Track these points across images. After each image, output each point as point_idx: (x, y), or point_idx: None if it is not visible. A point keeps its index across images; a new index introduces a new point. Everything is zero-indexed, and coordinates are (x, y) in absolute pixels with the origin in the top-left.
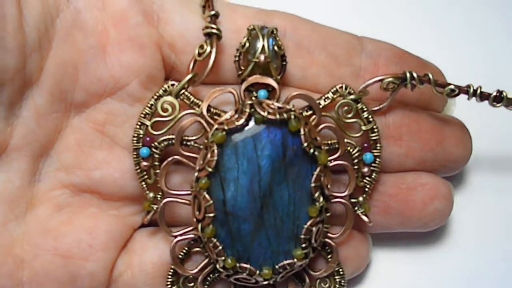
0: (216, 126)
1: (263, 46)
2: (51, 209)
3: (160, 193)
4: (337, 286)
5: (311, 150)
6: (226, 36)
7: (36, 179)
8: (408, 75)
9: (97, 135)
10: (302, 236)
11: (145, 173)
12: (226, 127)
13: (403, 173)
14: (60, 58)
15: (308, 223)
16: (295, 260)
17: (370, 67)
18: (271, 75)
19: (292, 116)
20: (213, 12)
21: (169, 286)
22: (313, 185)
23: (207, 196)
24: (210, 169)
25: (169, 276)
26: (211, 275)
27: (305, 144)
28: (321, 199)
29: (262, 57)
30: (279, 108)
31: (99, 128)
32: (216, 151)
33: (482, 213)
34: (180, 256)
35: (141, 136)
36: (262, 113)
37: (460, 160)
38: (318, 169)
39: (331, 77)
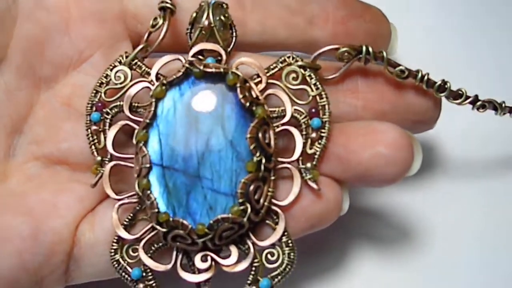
0: (157, 83)
1: (208, 13)
2: (23, 179)
3: (108, 157)
4: (286, 259)
5: (247, 104)
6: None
7: (11, 154)
8: (364, 49)
9: (64, 108)
10: (239, 191)
11: (95, 137)
12: (164, 81)
13: (354, 122)
14: (25, 35)
15: (245, 178)
16: (230, 215)
17: (322, 14)
18: (218, 43)
19: (229, 71)
20: None
21: (113, 254)
22: (248, 136)
23: (143, 148)
24: (147, 121)
25: (113, 244)
26: (155, 245)
27: (241, 96)
28: (258, 153)
29: (206, 22)
30: (217, 66)
31: (66, 101)
32: (153, 103)
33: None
34: (125, 222)
35: (94, 102)
36: (199, 67)
37: (424, 112)
38: (255, 122)
39: (287, 27)
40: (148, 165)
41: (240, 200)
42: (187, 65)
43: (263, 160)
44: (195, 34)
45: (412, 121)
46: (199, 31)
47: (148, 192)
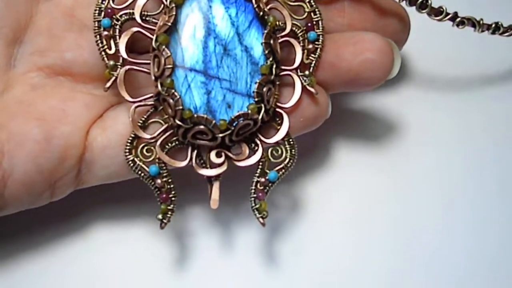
0: None
1: None
2: (27, 88)
3: (120, 62)
4: (288, 155)
5: (261, 13)
6: None
7: (12, 64)
8: None
9: (66, 18)
10: (255, 91)
11: (105, 42)
12: None
13: (341, 33)
14: None
15: (260, 79)
16: (249, 111)
17: None
18: None
19: None
20: None
21: (127, 154)
22: (263, 41)
23: (166, 49)
24: (169, 24)
25: (128, 144)
26: (169, 144)
27: (255, 6)
28: (271, 57)
29: None
30: None
31: (68, 12)
32: (174, 8)
33: None
34: (139, 124)
35: (102, 9)
36: None
37: (397, 32)
38: (268, 28)
39: None
40: (171, 66)
41: (256, 99)
42: None
43: (274, 65)
44: None
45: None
46: None
47: (173, 90)
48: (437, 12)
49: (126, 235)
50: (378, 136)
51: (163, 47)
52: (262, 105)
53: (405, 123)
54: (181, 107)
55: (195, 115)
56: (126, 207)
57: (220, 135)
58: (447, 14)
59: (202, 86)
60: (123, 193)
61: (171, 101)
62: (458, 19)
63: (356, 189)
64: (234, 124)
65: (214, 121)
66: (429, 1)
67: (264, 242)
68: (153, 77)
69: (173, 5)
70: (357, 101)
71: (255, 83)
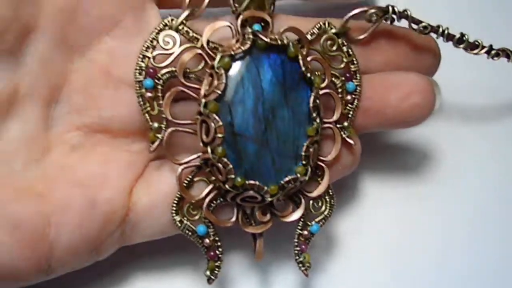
0: (220, 54)
1: None
2: (66, 150)
3: (164, 123)
4: (328, 205)
5: (308, 74)
6: None
7: (50, 124)
8: (390, 8)
9: (102, 76)
10: (303, 154)
11: (148, 104)
12: (232, 53)
13: (380, 74)
14: (56, 2)
15: (308, 141)
16: (298, 175)
17: None
18: (263, 10)
19: (291, 43)
20: None
21: (174, 214)
22: (311, 105)
23: (217, 117)
24: (219, 92)
25: (174, 204)
26: (214, 202)
27: (304, 68)
28: (318, 119)
29: None
30: (276, 37)
31: (103, 69)
32: (224, 75)
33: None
34: (185, 184)
35: (143, 68)
36: (265, 39)
37: (432, 65)
38: (315, 91)
39: None
40: (222, 135)
41: (304, 162)
42: (252, 36)
43: (320, 125)
44: (244, 3)
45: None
46: (249, 1)
47: (225, 159)
48: (473, 46)
49: (168, 286)
50: (408, 168)
51: (214, 115)
52: (309, 167)
53: (435, 154)
54: (233, 176)
55: (247, 183)
56: (167, 258)
57: (270, 198)
58: (483, 47)
59: (251, 151)
60: (163, 244)
61: (222, 168)
62: (493, 52)
63: (388, 222)
64: (285, 188)
65: (265, 188)
66: (466, 37)
67: (302, 281)
68: (201, 142)
69: (222, 71)
70: (386, 134)
71: (303, 145)
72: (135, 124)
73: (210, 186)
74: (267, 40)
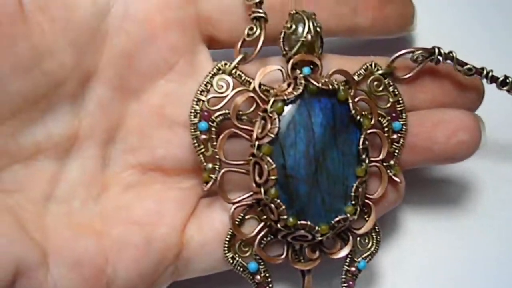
0: (273, 98)
1: (309, 27)
2: (122, 188)
3: (217, 164)
4: (374, 242)
5: (358, 117)
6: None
7: (106, 163)
8: (436, 50)
9: (155, 116)
10: (352, 194)
11: (202, 146)
12: (285, 97)
13: (426, 111)
14: (115, 49)
15: (357, 182)
16: (348, 215)
17: (363, 2)
18: (313, 53)
19: (341, 87)
20: (257, 0)
21: (226, 251)
22: (361, 147)
23: (270, 160)
24: (272, 135)
25: (226, 242)
26: (264, 239)
27: (353, 112)
28: (367, 160)
29: (309, 36)
30: (326, 81)
31: (157, 110)
32: (277, 119)
33: None
34: (236, 222)
35: (198, 111)
36: (316, 84)
37: (476, 102)
38: (364, 133)
39: (336, 17)
40: (275, 177)
41: (353, 202)
42: (304, 81)
43: (368, 165)
44: (295, 47)
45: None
46: (300, 44)
47: (278, 201)
48: None
49: None
50: (449, 201)
51: (267, 157)
52: (358, 206)
53: (476, 188)
54: (285, 216)
55: (298, 223)
56: None
57: (320, 238)
58: None
59: (303, 193)
60: (214, 278)
61: (274, 209)
62: None
63: (429, 254)
64: (335, 227)
65: (316, 228)
66: (510, 79)
67: None
68: (253, 183)
69: (275, 115)
70: (426, 169)
71: (352, 186)
72: (187, 163)
73: (261, 224)
74: (318, 85)
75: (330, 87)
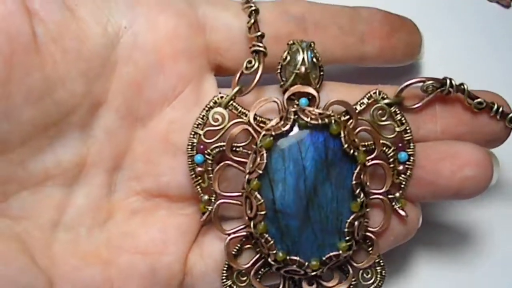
0: (263, 132)
1: (303, 58)
2: (127, 215)
3: (213, 195)
4: (378, 276)
5: (351, 151)
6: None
7: (112, 190)
8: (448, 81)
9: (161, 143)
10: (346, 230)
11: (199, 177)
12: (273, 133)
13: (434, 142)
14: (124, 78)
15: (351, 218)
16: (340, 252)
17: (370, 32)
18: (310, 84)
19: (333, 121)
20: (259, 33)
21: (224, 280)
22: (354, 182)
23: (258, 195)
24: (260, 171)
25: (224, 271)
26: (262, 269)
27: (346, 146)
28: (362, 195)
29: (302, 69)
30: (320, 114)
31: (162, 138)
32: (265, 155)
33: None
34: (234, 252)
35: (195, 144)
36: (305, 119)
37: (498, 131)
38: (358, 168)
39: (343, 46)
40: (263, 212)
41: (347, 238)
42: (292, 116)
43: (364, 201)
44: (290, 78)
45: (485, 141)
46: (294, 76)
47: (266, 235)
48: None
49: None
50: (459, 248)
51: (255, 193)
52: (353, 242)
53: (489, 237)
54: (274, 252)
55: (288, 258)
56: None
57: (313, 273)
58: None
59: (293, 227)
60: None
61: (264, 244)
62: None
63: None
64: (326, 263)
65: (306, 263)
66: None
67: None
68: (246, 216)
69: (264, 150)
70: (438, 211)
71: (346, 221)
72: (191, 189)
73: (257, 256)
74: (308, 120)
75: (320, 122)
